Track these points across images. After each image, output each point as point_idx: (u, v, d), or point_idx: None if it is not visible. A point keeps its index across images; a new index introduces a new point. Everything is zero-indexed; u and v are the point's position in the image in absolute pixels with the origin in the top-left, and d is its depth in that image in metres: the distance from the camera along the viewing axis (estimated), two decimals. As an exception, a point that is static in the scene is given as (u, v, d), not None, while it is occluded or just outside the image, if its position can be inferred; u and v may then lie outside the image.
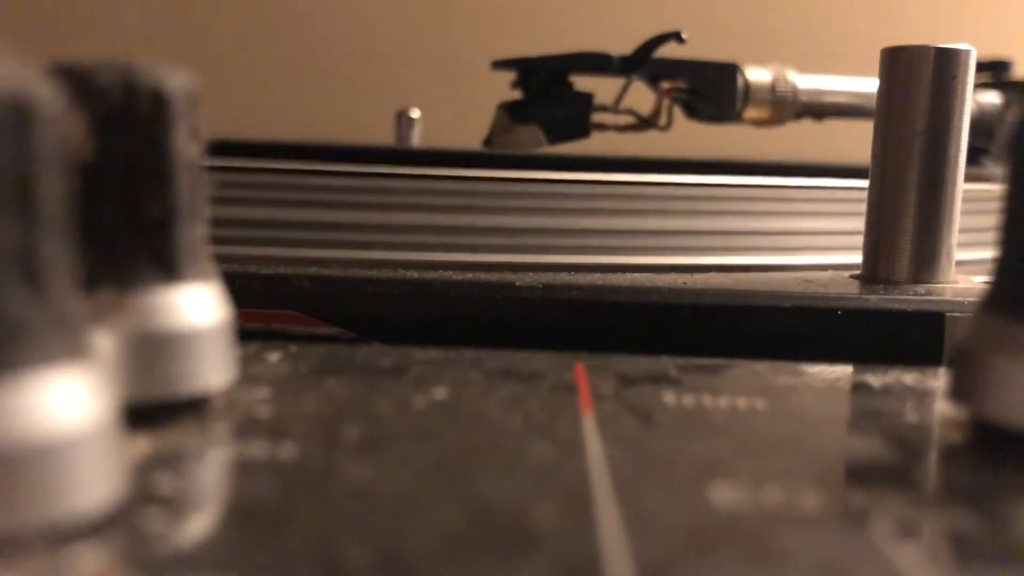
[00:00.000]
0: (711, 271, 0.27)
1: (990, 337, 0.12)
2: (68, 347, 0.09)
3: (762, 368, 0.16)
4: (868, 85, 0.39)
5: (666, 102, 0.38)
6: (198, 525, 0.09)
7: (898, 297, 0.23)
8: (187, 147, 0.12)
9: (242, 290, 0.17)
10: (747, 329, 0.22)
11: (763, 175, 0.29)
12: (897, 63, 0.25)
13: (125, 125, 0.12)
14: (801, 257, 0.28)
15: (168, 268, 0.12)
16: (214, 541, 0.09)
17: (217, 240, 0.13)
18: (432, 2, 0.64)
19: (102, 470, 0.09)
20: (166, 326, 0.12)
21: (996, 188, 0.30)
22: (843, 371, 0.17)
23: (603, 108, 0.38)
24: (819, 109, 0.39)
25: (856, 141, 0.36)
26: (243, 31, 0.63)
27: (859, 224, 0.26)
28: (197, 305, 0.13)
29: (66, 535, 0.09)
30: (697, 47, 0.38)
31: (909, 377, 0.16)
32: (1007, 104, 0.37)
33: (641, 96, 0.38)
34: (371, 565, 0.08)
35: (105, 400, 0.09)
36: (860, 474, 0.11)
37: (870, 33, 0.63)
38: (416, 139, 0.54)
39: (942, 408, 0.15)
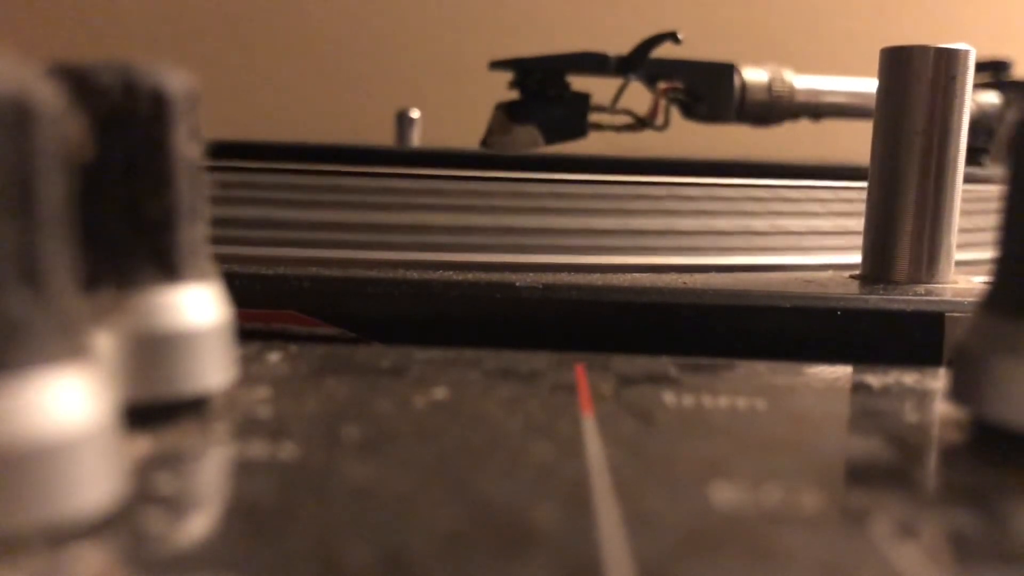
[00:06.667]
0: (711, 271, 0.27)
1: (990, 337, 0.12)
2: (68, 347, 0.09)
3: (762, 368, 0.16)
4: (866, 85, 0.39)
5: (663, 102, 0.38)
6: (198, 525, 0.09)
7: (898, 297, 0.23)
8: (187, 147, 0.12)
9: (242, 290, 0.17)
10: (747, 329, 0.22)
11: (763, 175, 0.29)
12: (896, 63, 0.25)
13: (125, 125, 0.12)
14: (801, 257, 0.29)
15: (168, 268, 0.12)
16: (214, 541, 0.09)
17: (217, 240, 0.13)
18: (432, 2, 0.64)
19: (102, 470, 0.09)
20: (166, 326, 0.12)
21: (996, 188, 0.30)
22: (843, 371, 0.17)
23: (600, 108, 0.38)
24: (816, 109, 0.39)
25: (855, 141, 0.36)
26: (243, 31, 0.63)
27: (859, 224, 0.26)
28: (197, 305, 0.13)
29: (66, 535, 0.09)
30: (694, 47, 0.38)
31: (909, 377, 0.16)
32: (1007, 104, 0.37)
33: (638, 96, 0.38)
34: (371, 565, 0.08)
35: (105, 400, 0.09)
36: (860, 474, 0.11)
37: (869, 33, 0.63)
38: (416, 139, 0.54)
39: (942, 408, 0.15)
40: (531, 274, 0.24)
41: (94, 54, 0.12)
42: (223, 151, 0.15)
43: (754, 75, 0.38)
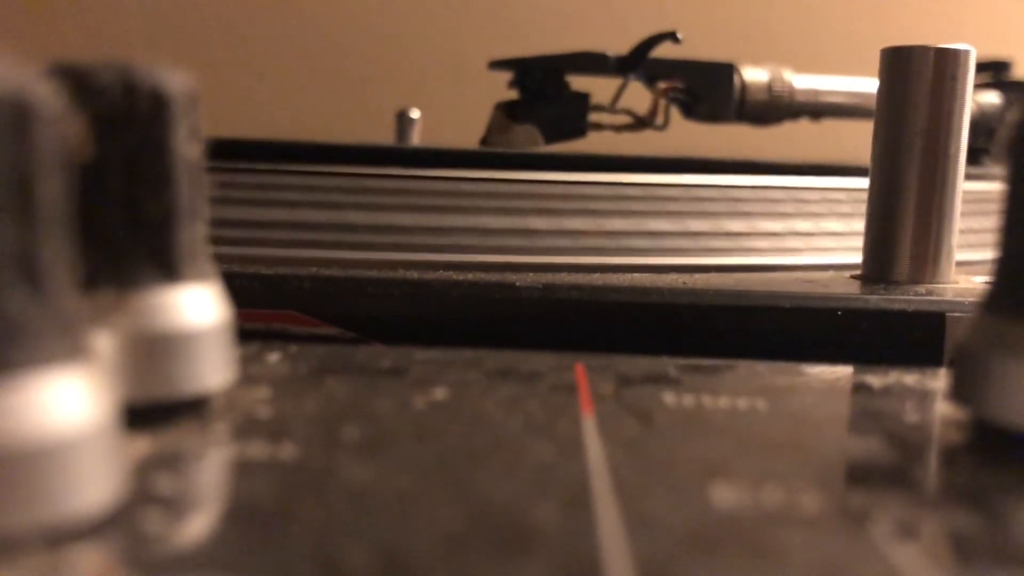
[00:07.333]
0: (711, 271, 0.27)
1: (990, 337, 0.12)
2: (68, 347, 0.09)
3: (762, 368, 0.16)
4: (865, 85, 0.39)
5: (662, 102, 0.38)
6: (198, 525, 0.09)
7: (898, 297, 0.23)
8: (187, 147, 0.12)
9: (242, 290, 0.17)
10: (747, 329, 0.22)
11: (763, 175, 0.29)
12: (897, 63, 0.25)
13: (125, 125, 0.12)
14: (801, 257, 0.29)
15: (168, 268, 0.12)
16: (214, 541, 0.09)
17: (217, 240, 0.13)
18: (432, 2, 0.64)
19: (102, 470, 0.09)
20: (166, 326, 0.12)
21: (996, 188, 0.30)
22: (843, 371, 0.17)
23: (600, 108, 0.38)
24: (816, 109, 0.39)
25: (856, 141, 0.36)
26: (243, 31, 0.63)
27: (859, 224, 0.26)
28: (197, 305, 0.13)
29: (66, 535, 0.09)
30: (693, 47, 0.38)
31: (909, 378, 0.16)
32: (1007, 104, 0.37)
33: (638, 96, 0.38)
34: (371, 565, 0.08)
35: (105, 400, 0.09)
36: (860, 474, 0.11)
37: (869, 33, 0.63)
38: (416, 139, 0.54)
39: (942, 409, 0.15)
40: (531, 274, 0.24)
41: (94, 54, 0.12)
42: (223, 151, 0.15)
43: (754, 75, 0.38)
